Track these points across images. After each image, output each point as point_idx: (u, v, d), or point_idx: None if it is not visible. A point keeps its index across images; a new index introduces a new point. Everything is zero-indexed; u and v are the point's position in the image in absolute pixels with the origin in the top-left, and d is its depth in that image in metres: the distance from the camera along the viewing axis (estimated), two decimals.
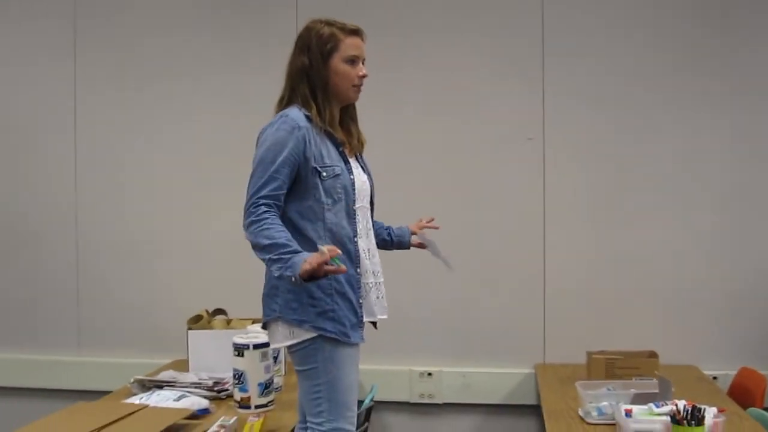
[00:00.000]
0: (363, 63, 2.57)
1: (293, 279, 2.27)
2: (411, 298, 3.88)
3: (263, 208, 2.36)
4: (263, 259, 2.36)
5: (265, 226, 2.34)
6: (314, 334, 2.40)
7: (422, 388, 3.92)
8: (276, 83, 2.60)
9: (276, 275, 2.34)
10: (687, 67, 3.78)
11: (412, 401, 3.94)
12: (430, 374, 3.91)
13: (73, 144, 4.21)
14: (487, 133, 3.89)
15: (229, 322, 3.68)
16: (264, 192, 2.37)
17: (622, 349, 3.52)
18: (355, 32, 2.56)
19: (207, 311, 3.73)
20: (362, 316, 2.50)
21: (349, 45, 2.53)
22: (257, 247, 2.36)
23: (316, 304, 2.41)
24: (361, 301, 2.50)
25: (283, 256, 2.29)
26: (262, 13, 4.03)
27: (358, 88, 2.56)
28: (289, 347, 2.45)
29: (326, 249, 2.24)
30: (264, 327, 2.55)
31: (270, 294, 2.47)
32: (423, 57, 3.93)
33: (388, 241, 2.88)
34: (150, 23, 4.16)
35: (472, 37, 3.91)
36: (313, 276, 2.26)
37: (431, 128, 3.92)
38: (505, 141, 3.88)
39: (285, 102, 2.53)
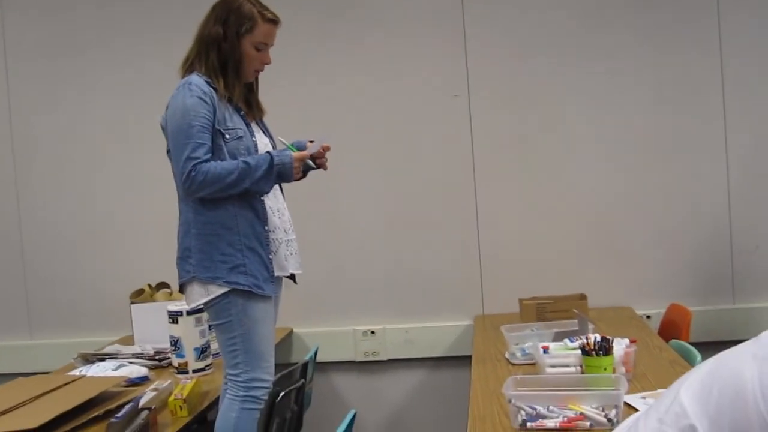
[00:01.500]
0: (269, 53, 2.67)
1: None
2: (351, 259, 3.97)
3: (201, 165, 2.46)
4: (244, 190, 2.51)
5: (217, 171, 2.47)
6: (227, 289, 2.49)
7: (366, 347, 4.00)
8: None
9: (268, 189, 2.56)
10: (611, 12, 3.84)
11: (357, 360, 4.01)
12: (373, 332, 3.99)
13: (8, 123, 4.19)
14: (412, 93, 3.94)
15: (170, 294, 3.75)
16: (197, 158, 2.47)
17: (557, 294, 3.64)
18: (273, 21, 2.64)
19: (150, 285, 3.79)
20: (273, 271, 2.59)
21: (262, 32, 2.61)
22: (229, 187, 2.49)
23: (228, 260, 2.51)
24: (271, 256, 2.59)
25: (260, 173, 2.49)
26: None
27: (258, 72, 2.67)
28: (205, 303, 2.54)
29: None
30: (181, 290, 2.63)
31: (183, 257, 2.57)
32: (346, 19, 3.96)
33: None
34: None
35: None
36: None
37: (355, 90, 3.96)
38: (430, 100, 3.93)
39: (189, 64, 2.61)
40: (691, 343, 3.10)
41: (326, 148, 2.68)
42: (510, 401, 2.20)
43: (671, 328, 3.53)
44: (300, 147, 2.69)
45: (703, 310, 3.72)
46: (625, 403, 2.20)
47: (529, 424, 2.14)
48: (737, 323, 3.80)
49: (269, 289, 2.58)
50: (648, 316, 3.78)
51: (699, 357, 2.86)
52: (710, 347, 3.13)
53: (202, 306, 2.60)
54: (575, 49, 3.86)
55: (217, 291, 2.51)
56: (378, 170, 3.97)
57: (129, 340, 3.73)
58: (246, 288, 2.52)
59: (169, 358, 3.31)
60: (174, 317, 3.15)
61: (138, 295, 3.71)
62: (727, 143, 3.81)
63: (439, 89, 3.93)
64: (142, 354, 3.37)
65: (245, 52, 2.59)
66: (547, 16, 3.87)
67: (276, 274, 2.62)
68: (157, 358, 3.33)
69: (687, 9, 3.81)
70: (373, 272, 3.99)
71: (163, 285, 3.83)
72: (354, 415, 2.33)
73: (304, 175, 2.66)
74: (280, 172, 2.53)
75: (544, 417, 2.15)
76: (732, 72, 3.79)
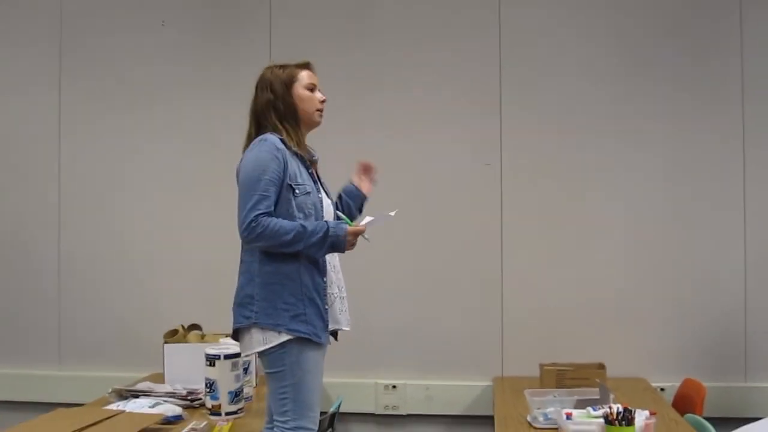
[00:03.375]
0: (320, 91, 2.86)
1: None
2: (376, 314, 4.09)
3: (262, 218, 2.62)
4: (296, 251, 2.66)
5: (276, 227, 2.63)
6: (287, 338, 2.64)
7: (387, 400, 4.12)
8: (242, 113, 2.86)
9: (319, 256, 2.70)
10: (637, 90, 4.05)
11: (377, 413, 4.13)
12: (394, 387, 4.12)
13: (57, 160, 4.40)
14: (445, 156, 4.13)
15: (203, 336, 3.87)
16: (259, 209, 2.63)
17: (574, 362, 3.75)
18: (307, 65, 2.86)
19: (183, 326, 3.92)
20: (328, 322, 2.74)
21: (305, 75, 2.83)
22: (283, 245, 2.65)
23: (290, 309, 2.66)
24: (327, 307, 2.74)
25: (314, 240, 2.65)
26: (239, 41, 4.28)
27: (320, 112, 2.85)
28: (261, 352, 2.68)
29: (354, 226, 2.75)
30: (234, 335, 2.77)
31: (243, 303, 2.71)
32: (385, 85, 4.18)
33: (344, 203, 3.04)
34: (133, 49, 4.37)
35: (432, 65, 4.15)
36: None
37: (391, 153, 4.10)
38: (463, 165, 4.12)
39: (252, 137, 2.78)
40: (705, 418, 3.20)
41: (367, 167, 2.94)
42: None
43: (685, 401, 3.64)
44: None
45: (715, 386, 3.81)
46: None
47: None
48: (748, 401, 3.90)
49: (325, 338, 2.73)
50: (662, 389, 3.89)
51: None
52: (721, 423, 3.28)
53: (257, 353, 2.73)
54: (606, 125, 4.06)
55: (274, 340, 2.65)
56: (407, 229, 4.11)
57: (157, 378, 3.84)
58: (306, 336, 2.66)
59: (200, 399, 3.42)
60: (211, 360, 3.26)
61: (172, 335, 3.83)
62: (746, 225, 3.97)
63: (472, 156, 4.11)
64: (174, 393, 3.47)
65: (299, 96, 2.79)
66: (581, 91, 4.07)
67: (330, 326, 2.76)
68: (189, 398, 3.44)
69: (713, 92, 4.02)
70: (397, 328, 4.13)
71: (194, 327, 3.96)
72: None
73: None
74: (333, 243, 2.68)
75: None
76: (753, 157, 3.98)
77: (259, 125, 2.79)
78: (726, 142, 4.00)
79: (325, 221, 2.72)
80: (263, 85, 2.81)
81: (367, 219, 2.80)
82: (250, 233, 2.63)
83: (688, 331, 3.99)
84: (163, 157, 4.34)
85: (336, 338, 2.89)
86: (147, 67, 4.36)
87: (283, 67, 2.83)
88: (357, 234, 2.73)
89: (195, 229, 4.27)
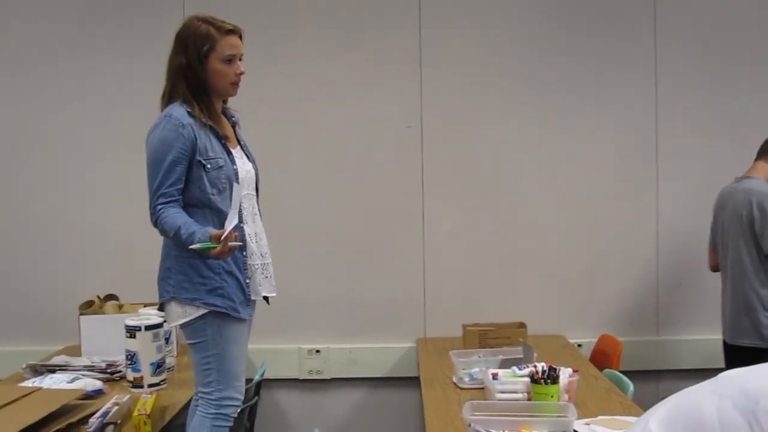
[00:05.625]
0: (240, 59, 2.69)
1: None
2: (298, 279, 4.03)
3: (159, 207, 2.55)
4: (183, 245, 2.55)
5: (164, 223, 2.54)
6: (205, 311, 2.58)
7: (311, 365, 4.11)
8: (161, 75, 2.73)
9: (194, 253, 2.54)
10: (560, 57, 4.07)
11: (301, 378, 4.12)
12: (318, 351, 4.11)
13: None
14: (366, 121, 4.08)
15: (120, 307, 3.77)
16: (160, 191, 2.55)
17: (496, 321, 3.82)
18: (232, 31, 2.66)
19: (99, 297, 3.80)
20: (250, 295, 2.69)
21: (225, 45, 2.63)
22: (171, 239, 2.59)
23: (206, 282, 2.60)
24: (247, 281, 2.68)
25: (190, 245, 2.48)
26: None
27: (236, 85, 2.69)
28: (182, 324, 2.62)
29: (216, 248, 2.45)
30: (161, 309, 2.71)
31: (164, 277, 2.65)
32: (302, 47, 4.08)
33: None
34: (33, 9, 4.12)
35: (351, 26, 4.08)
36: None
37: (311, 117, 4.07)
38: (384, 129, 4.09)
39: (167, 98, 2.67)
40: (621, 371, 3.32)
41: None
42: (469, 425, 2.35)
43: (602, 357, 3.76)
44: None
45: (629, 340, 3.93)
46: None
47: None
48: (660, 354, 4.07)
49: (245, 313, 2.67)
50: (580, 345, 4.01)
51: (631, 386, 3.09)
52: (636, 375, 3.41)
53: (178, 326, 2.67)
54: (527, 87, 4.08)
55: (194, 313, 2.60)
56: (328, 193, 4.09)
57: (73, 351, 3.72)
58: (223, 310, 2.61)
59: (121, 371, 3.34)
60: (132, 331, 3.18)
61: (87, 307, 3.71)
62: (658, 188, 4.09)
63: (393, 119, 4.08)
64: (93, 367, 3.37)
65: (213, 70, 2.62)
66: (502, 52, 4.07)
67: (252, 298, 2.71)
68: (109, 371, 3.35)
69: (630, 60, 4.09)
70: (319, 292, 4.10)
71: (111, 297, 3.85)
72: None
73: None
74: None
75: None
76: (665, 129, 4.08)
77: (173, 86, 2.66)
78: (642, 109, 4.08)
79: (194, 231, 2.50)
80: (180, 44, 2.63)
81: (229, 224, 2.53)
82: (152, 218, 2.60)
83: (604, 289, 4.11)
84: (72, 118, 4.11)
85: (268, 302, 2.85)
86: (49, 21, 4.10)
87: (206, 23, 2.62)
88: (223, 251, 2.46)
89: (107, 194, 4.11)
